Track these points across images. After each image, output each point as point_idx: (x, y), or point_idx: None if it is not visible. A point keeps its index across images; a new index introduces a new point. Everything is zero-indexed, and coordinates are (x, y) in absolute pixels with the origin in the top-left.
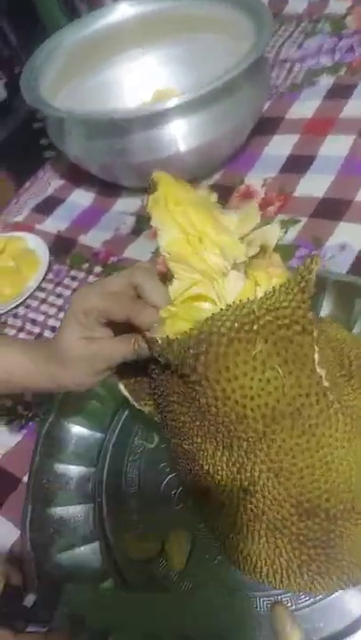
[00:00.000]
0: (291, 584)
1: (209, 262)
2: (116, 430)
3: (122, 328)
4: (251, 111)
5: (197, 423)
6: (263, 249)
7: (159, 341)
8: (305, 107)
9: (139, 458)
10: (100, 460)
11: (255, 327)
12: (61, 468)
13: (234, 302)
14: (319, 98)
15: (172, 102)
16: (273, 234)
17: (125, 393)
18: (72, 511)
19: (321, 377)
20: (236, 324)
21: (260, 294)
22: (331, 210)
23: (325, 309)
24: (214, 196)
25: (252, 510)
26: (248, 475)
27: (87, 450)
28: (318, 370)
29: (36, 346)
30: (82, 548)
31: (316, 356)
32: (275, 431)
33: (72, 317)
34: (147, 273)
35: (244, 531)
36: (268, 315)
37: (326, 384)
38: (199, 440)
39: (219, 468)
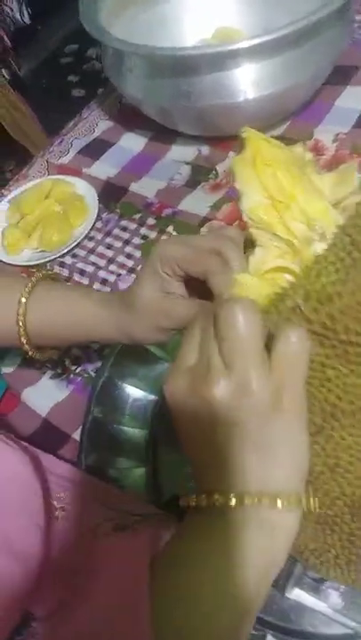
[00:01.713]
0: (337, 576)
1: (294, 231)
2: None
3: (198, 288)
4: (331, 57)
5: None
6: None
7: None
8: None
9: None
10: (154, 423)
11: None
12: (116, 429)
13: (275, 294)
14: None
15: (247, 42)
16: None
17: None
18: (127, 474)
19: None
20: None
21: None
22: None
23: None
24: (309, 155)
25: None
26: None
27: (141, 411)
28: None
29: (111, 296)
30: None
31: None
32: (333, 427)
33: (150, 266)
34: (233, 243)
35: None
36: (318, 313)
37: None
38: None
39: None
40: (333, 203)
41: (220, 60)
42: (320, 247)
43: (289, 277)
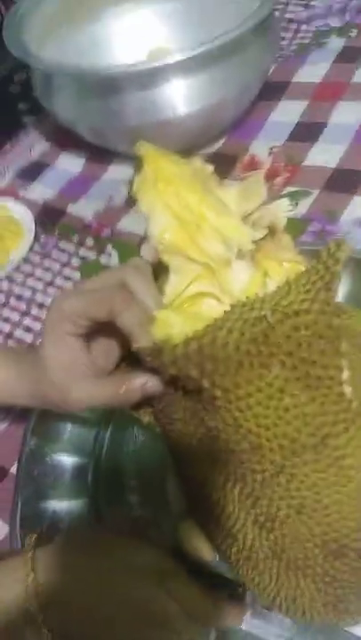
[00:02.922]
0: (314, 620)
1: (209, 252)
2: (113, 418)
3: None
4: (258, 73)
5: (205, 448)
6: (272, 230)
7: (160, 355)
8: (313, 70)
9: (140, 448)
10: (96, 451)
11: (269, 344)
12: (54, 458)
13: (239, 301)
14: (328, 61)
15: (173, 58)
16: (282, 211)
17: None
18: (67, 506)
19: (351, 400)
20: (244, 336)
21: (270, 287)
22: (344, 181)
23: (341, 290)
24: (210, 168)
25: (269, 548)
26: (265, 510)
27: (82, 439)
28: (346, 391)
29: (18, 356)
30: None
31: (345, 375)
32: (295, 464)
33: (50, 328)
34: (138, 272)
35: (260, 567)
36: (283, 324)
37: (356, 404)
38: (206, 467)
39: (230, 499)
40: (241, 217)
41: (146, 77)
42: (239, 266)
43: (212, 303)
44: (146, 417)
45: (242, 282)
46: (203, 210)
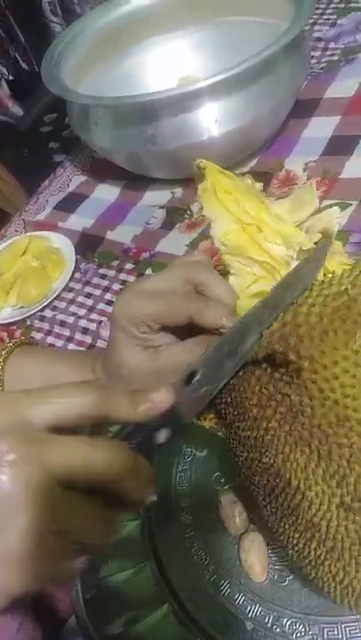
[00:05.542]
0: None
1: (271, 252)
2: None
3: (178, 329)
4: (290, 91)
5: (286, 428)
6: (324, 236)
7: None
8: (344, 86)
9: (188, 468)
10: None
11: (352, 313)
12: None
13: (317, 280)
14: (358, 77)
15: (205, 82)
16: (333, 218)
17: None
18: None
19: None
20: (327, 307)
21: None
22: None
23: None
24: (259, 185)
25: (356, 532)
26: (351, 489)
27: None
28: None
29: (91, 360)
30: (132, 570)
31: None
32: None
33: (118, 330)
34: (206, 267)
35: (345, 557)
36: None
37: None
38: (287, 449)
39: (312, 482)
40: (294, 225)
41: (181, 101)
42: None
43: None
44: (206, 422)
45: None
46: (262, 215)
